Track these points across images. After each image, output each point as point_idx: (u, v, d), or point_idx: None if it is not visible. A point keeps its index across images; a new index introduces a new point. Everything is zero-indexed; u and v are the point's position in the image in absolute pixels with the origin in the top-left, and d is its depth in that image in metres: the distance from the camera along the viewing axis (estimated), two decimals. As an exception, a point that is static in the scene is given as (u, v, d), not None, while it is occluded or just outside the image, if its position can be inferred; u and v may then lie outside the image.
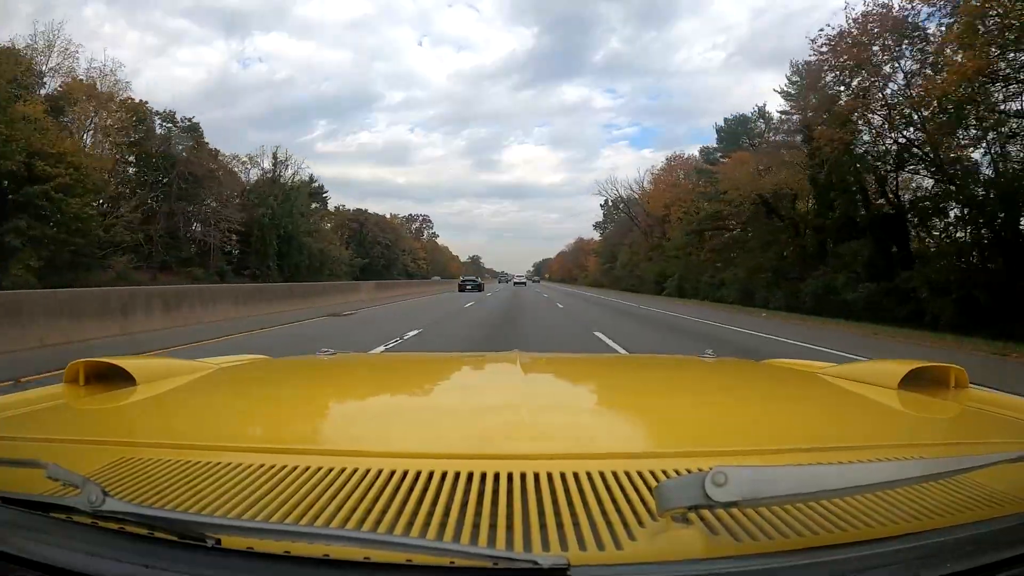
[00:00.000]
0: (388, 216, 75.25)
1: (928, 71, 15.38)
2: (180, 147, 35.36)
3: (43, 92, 28.13)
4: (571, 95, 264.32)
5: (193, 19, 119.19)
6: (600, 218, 73.72)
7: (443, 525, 0.49)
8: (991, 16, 12.11)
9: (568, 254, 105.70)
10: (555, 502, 0.52)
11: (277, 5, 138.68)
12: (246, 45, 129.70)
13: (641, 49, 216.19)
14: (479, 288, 37.15)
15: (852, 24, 16.54)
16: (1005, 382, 5.32)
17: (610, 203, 56.00)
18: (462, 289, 35.70)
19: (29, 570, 0.47)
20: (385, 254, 64.94)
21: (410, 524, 0.49)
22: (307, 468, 0.59)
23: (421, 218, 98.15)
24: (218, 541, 0.46)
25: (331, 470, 0.58)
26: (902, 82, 16.50)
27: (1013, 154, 14.47)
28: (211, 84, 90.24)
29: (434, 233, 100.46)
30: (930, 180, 17.42)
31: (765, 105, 32.53)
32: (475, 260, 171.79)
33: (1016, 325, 10.44)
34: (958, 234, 16.04)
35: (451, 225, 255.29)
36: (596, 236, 76.28)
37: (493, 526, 0.49)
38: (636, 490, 0.54)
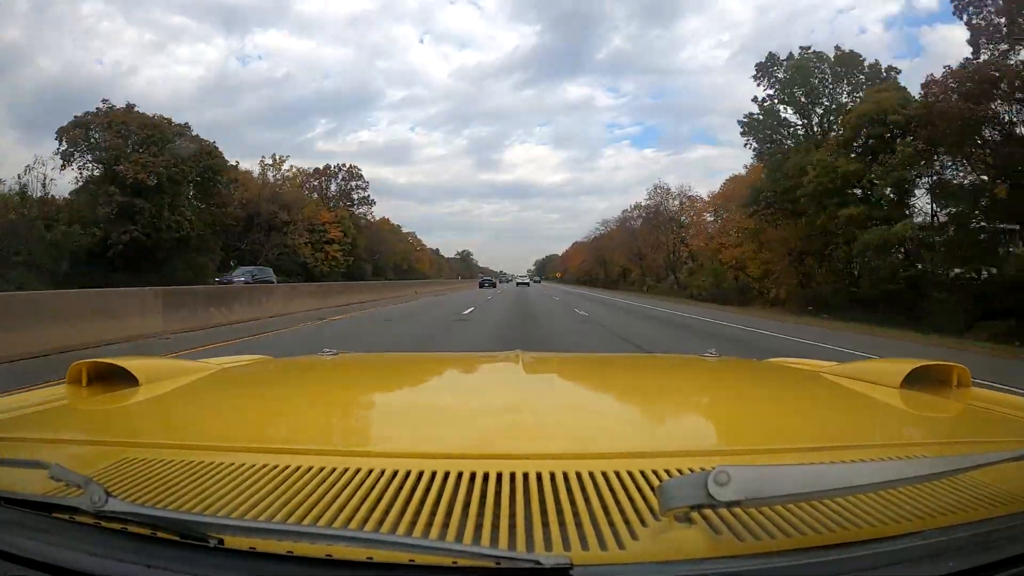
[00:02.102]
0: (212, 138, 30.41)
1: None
2: None
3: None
4: (573, 94, 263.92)
5: (191, 16, 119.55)
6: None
7: (445, 525, 0.49)
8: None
9: (599, 241, 63.02)
10: (557, 502, 0.52)
11: (277, 2, 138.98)
12: (246, 42, 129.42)
13: (645, 47, 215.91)
14: (493, 285, 52.88)
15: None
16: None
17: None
18: (481, 286, 49.76)
19: (32, 570, 0.47)
20: (151, 218, 25.85)
21: (412, 524, 0.49)
22: (309, 468, 0.59)
23: (344, 170, 47.91)
24: (221, 541, 0.46)
25: (333, 470, 0.58)
26: None
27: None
28: (210, 82, 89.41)
29: (367, 198, 49.40)
30: None
31: None
32: (465, 258, 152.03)
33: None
34: None
35: (451, 225, 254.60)
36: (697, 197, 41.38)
37: (496, 526, 0.49)
38: (638, 489, 0.54)
